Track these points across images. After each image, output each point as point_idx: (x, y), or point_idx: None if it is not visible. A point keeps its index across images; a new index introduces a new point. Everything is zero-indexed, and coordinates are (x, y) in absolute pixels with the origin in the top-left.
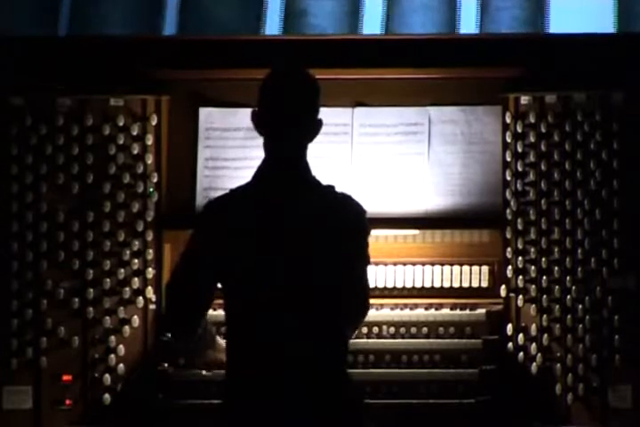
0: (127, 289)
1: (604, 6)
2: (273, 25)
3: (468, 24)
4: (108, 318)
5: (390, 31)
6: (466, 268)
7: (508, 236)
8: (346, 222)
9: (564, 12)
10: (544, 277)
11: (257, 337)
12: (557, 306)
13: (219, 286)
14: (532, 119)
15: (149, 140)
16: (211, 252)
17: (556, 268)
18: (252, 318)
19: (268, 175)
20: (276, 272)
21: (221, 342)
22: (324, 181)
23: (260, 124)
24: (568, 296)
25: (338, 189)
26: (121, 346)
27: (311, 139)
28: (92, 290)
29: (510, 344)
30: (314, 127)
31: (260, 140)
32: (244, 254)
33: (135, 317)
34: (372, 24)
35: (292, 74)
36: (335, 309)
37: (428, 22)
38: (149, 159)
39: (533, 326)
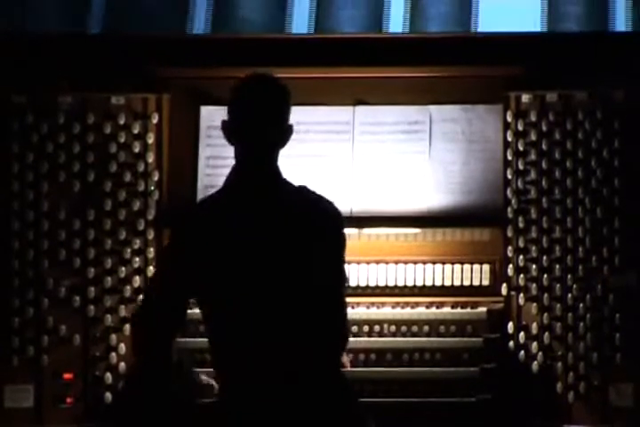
0: (128, 287)
1: (532, 5)
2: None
3: (397, 21)
4: (109, 316)
5: (319, 27)
6: (467, 266)
7: (509, 234)
8: (321, 225)
9: (491, 11)
10: (545, 276)
11: (239, 345)
12: (558, 304)
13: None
14: (532, 118)
15: (150, 139)
16: (185, 265)
17: (557, 266)
18: (233, 329)
19: (237, 184)
20: (253, 281)
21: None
22: (323, 183)
23: (229, 133)
24: (569, 294)
25: (310, 188)
26: (122, 344)
27: (282, 145)
28: (92, 288)
29: (511, 343)
30: (283, 134)
31: None
32: (218, 265)
33: None
34: (300, 20)
35: (259, 82)
36: (315, 312)
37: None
38: (150, 158)
39: (534, 325)
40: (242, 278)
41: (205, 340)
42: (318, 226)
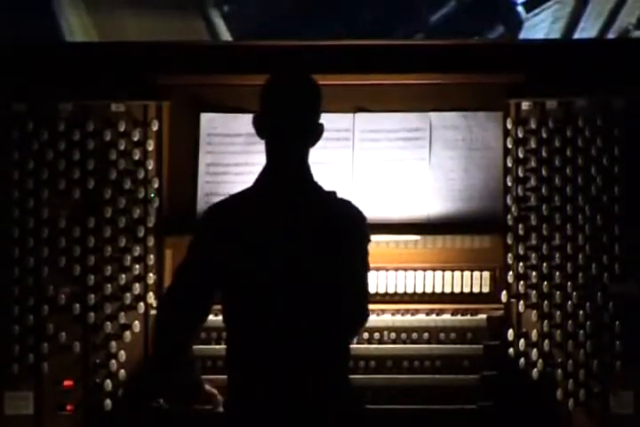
0: (128, 295)
1: None
2: None
3: None
4: (108, 323)
5: None
6: (467, 273)
7: (509, 241)
8: (347, 229)
9: None
10: (545, 283)
11: (258, 342)
12: (558, 312)
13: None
14: (532, 125)
15: (150, 146)
16: (213, 258)
17: (557, 273)
18: (255, 323)
19: (269, 180)
20: (279, 277)
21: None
22: (326, 187)
23: (261, 128)
24: (569, 302)
25: (339, 196)
26: (122, 351)
27: (313, 143)
28: (92, 295)
29: (511, 350)
30: (315, 132)
31: (261, 146)
32: (246, 260)
33: (136, 322)
34: None
35: (294, 78)
36: (336, 313)
37: None
38: (150, 165)
39: (534, 332)
40: (269, 270)
41: (216, 347)
42: (347, 226)
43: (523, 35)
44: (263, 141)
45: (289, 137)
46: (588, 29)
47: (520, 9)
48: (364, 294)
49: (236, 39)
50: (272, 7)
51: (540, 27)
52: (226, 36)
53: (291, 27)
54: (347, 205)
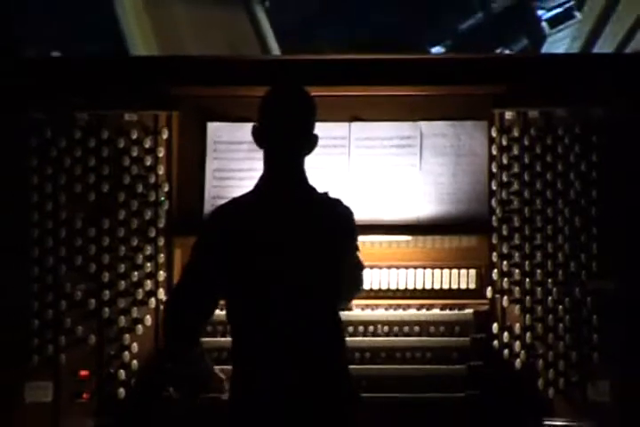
0: (140, 291)
1: None
2: None
3: None
4: (122, 317)
5: None
6: (455, 271)
7: (494, 241)
8: (338, 223)
9: None
10: (527, 280)
11: (260, 331)
12: (540, 306)
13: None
14: (515, 133)
15: (161, 153)
16: (215, 257)
17: (539, 271)
18: (257, 313)
19: (267, 185)
20: (279, 271)
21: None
22: (321, 189)
23: (260, 138)
24: (550, 297)
25: (331, 195)
26: (134, 344)
27: (308, 152)
28: (107, 292)
29: (496, 342)
30: (310, 142)
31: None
32: (247, 258)
33: (148, 316)
34: None
35: (290, 92)
36: (332, 302)
37: None
38: (161, 170)
39: (517, 325)
40: (269, 265)
41: (221, 339)
42: (336, 221)
43: (545, 49)
44: (262, 149)
45: (285, 147)
46: (605, 48)
47: (544, 24)
48: (359, 267)
49: (276, 33)
50: (308, 8)
51: (561, 43)
52: (267, 29)
53: (321, 28)
54: (336, 203)
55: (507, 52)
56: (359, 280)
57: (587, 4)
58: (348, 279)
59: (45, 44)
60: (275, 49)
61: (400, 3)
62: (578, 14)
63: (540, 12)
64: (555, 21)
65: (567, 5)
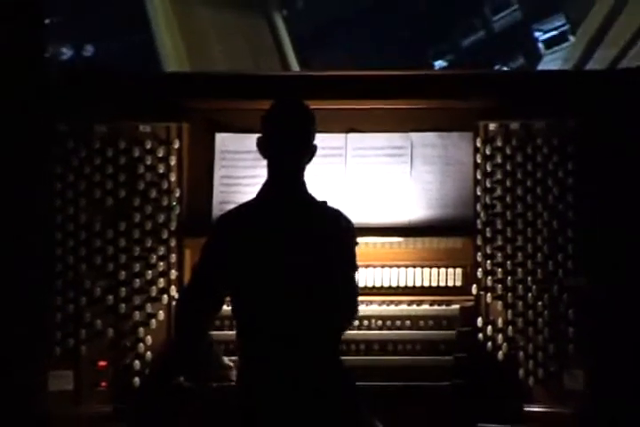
0: (154, 288)
1: None
2: None
3: None
4: (137, 312)
5: None
6: (442, 270)
7: (479, 242)
8: (338, 233)
9: None
10: (509, 278)
11: (265, 331)
12: (521, 302)
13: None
14: (498, 143)
15: (172, 161)
16: (221, 259)
17: (520, 270)
18: (259, 310)
19: (270, 193)
20: (280, 275)
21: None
22: (320, 198)
23: (263, 149)
24: (529, 294)
25: (330, 205)
26: (148, 336)
27: (308, 161)
28: (123, 289)
29: (480, 335)
30: (310, 151)
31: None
32: (251, 260)
33: (160, 311)
34: None
35: (291, 106)
36: (332, 305)
37: None
38: (172, 177)
39: (500, 320)
40: (271, 270)
41: (228, 333)
42: (335, 229)
43: (540, 68)
44: (265, 159)
45: (286, 156)
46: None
47: (540, 45)
48: (354, 289)
49: (292, 40)
50: (321, 18)
51: (554, 64)
52: (285, 37)
53: (333, 39)
54: (336, 214)
55: (504, 68)
56: (354, 305)
57: (580, 30)
58: (343, 297)
59: (83, 63)
60: (291, 56)
61: (407, 18)
62: (571, 38)
63: (537, 34)
64: (550, 43)
65: (562, 29)
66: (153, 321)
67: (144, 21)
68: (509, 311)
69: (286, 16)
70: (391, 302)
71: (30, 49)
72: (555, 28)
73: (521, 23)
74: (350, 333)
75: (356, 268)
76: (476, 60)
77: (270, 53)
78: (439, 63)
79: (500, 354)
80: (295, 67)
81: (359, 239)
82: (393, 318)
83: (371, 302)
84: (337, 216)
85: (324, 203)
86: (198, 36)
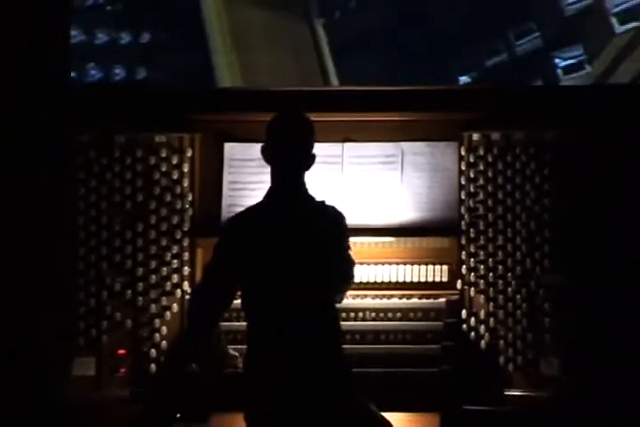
0: (168, 283)
1: None
2: None
3: None
4: (153, 305)
5: None
6: (430, 267)
7: (463, 242)
8: (333, 225)
9: None
10: (491, 274)
11: (271, 319)
12: (501, 296)
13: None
14: (481, 152)
15: (185, 168)
16: (232, 257)
17: (500, 267)
18: (265, 303)
19: (274, 197)
20: (284, 266)
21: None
22: (318, 198)
23: (267, 156)
24: (509, 289)
25: (327, 203)
26: (164, 327)
27: (307, 168)
28: (141, 284)
29: (465, 326)
30: (309, 159)
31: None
32: (258, 256)
33: (174, 304)
34: None
35: (293, 117)
36: (329, 290)
37: None
38: (185, 183)
39: (482, 312)
40: (277, 263)
41: (236, 324)
42: (330, 224)
43: None
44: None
45: (288, 164)
46: None
47: (559, 71)
48: (350, 263)
49: (331, 48)
50: (354, 30)
51: None
52: (324, 44)
53: (364, 50)
54: (331, 209)
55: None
56: (350, 275)
57: (595, 61)
58: (341, 273)
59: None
60: (329, 64)
61: (433, 35)
62: (588, 67)
63: (556, 60)
64: (568, 70)
65: (580, 58)
66: (167, 313)
67: (201, 42)
68: (491, 304)
69: (325, 24)
70: (384, 296)
71: (57, 69)
72: (573, 57)
73: (542, 49)
74: (346, 324)
75: (349, 247)
76: (497, 79)
77: (312, 64)
78: (463, 79)
79: (483, 343)
80: (334, 77)
81: (354, 239)
82: (385, 310)
83: (365, 296)
84: (332, 211)
85: (323, 202)
86: (250, 51)
